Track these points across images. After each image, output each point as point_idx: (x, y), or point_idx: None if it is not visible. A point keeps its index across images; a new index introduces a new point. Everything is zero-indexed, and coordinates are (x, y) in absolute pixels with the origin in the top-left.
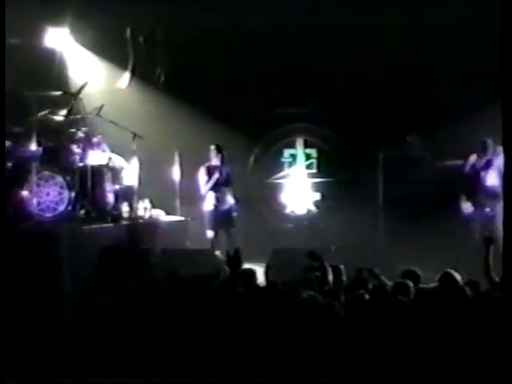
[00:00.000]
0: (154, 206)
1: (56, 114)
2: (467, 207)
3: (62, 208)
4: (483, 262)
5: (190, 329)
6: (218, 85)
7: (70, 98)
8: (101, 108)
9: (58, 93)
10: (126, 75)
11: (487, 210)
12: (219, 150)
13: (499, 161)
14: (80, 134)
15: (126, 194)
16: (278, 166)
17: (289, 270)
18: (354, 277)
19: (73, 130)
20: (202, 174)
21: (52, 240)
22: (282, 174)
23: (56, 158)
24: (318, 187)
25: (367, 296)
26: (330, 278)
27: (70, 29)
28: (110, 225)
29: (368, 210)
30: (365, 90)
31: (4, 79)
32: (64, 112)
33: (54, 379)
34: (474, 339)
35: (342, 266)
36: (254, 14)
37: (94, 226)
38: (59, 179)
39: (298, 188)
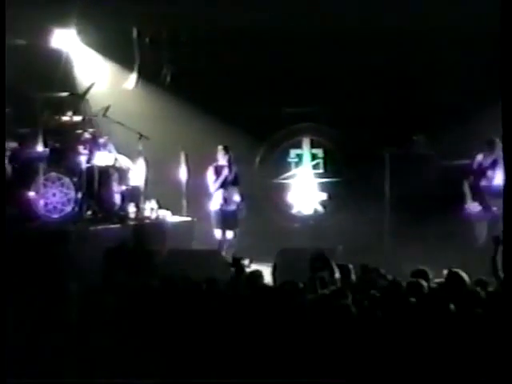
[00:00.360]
0: (160, 207)
1: (62, 115)
2: (474, 207)
3: (68, 209)
4: (491, 261)
5: (197, 330)
6: (223, 85)
7: (77, 99)
8: (107, 109)
9: (65, 94)
10: (133, 76)
11: (494, 209)
12: (227, 150)
13: None
14: (86, 135)
15: (132, 195)
16: (284, 166)
17: (296, 270)
18: (359, 276)
19: (79, 131)
20: (210, 174)
21: (59, 241)
22: (288, 174)
23: (62, 159)
24: (324, 187)
25: (378, 295)
26: (337, 277)
27: (76, 30)
28: (117, 225)
29: (374, 210)
30: (371, 89)
31: (4, 79)
32: (70, 113)
33: (57, 379)
34: (483, 339)
35: (350, 266)
36: (259, 13)
37: (100, 227)
38: (66, 180)
39: (305, 188)
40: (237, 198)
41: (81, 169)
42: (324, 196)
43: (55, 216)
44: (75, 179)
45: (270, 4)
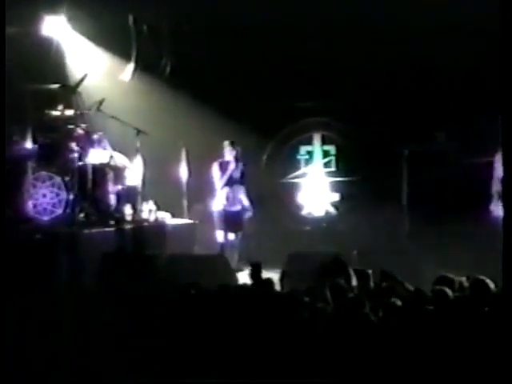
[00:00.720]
0: (159, 208)
1: (53, 109)
2: (499, 207)
3: (59, 211)
4: None
5: (206, 339)
6: (228, 76)
7: (69, 91)
8: (101, 102)
9: (55, 86)
10: (129, 67)
11: None
12: (234, 145)
13: None
14: (79, 131)
15: (129, 196)
16: (293, 164)
17: (306, 276)
18: (377, 282)
19: (71, 127)
20: (215, 170)
21: (49, 245)
22: (297, 172)
23: (53, 156)
24: (336, 187)
25: (399, 303)
26: (355, 284)
27: (67, 16)
28: (112, 229)
29: (391, 211)
30: (388, 81)
31: (4, 78)
32: (62, 107)
33: None
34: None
35: (369, 271)
36: (266, 1)
37: (94, 231)
38: (57, 180)
39: (316, 188)
40: (243, 197)
41: (73, 167)
42: (336, 196)
43: (45, 218)
44: (67, 179)
45: None
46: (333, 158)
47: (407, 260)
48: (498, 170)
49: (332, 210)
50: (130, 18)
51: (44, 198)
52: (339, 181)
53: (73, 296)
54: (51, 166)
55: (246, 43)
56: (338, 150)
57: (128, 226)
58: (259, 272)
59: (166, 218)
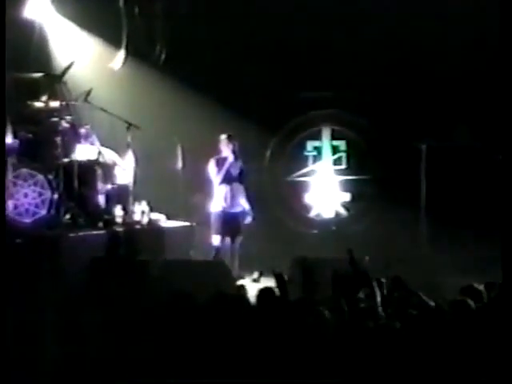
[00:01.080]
0: (152, 209)
1: (36, 100)
2: None
3: (43, 212)
4: None
5: (207, 354)
6: (227, 64)
7: (53, 80)
8: (89, 93)
9: (38, 75)
10: (120, 53)
11: None
12: (231, 139)
13: None
14: (64, 124)
15: (119, 195)
16: (299, 161)
17: (314, 285)
18: (390, 290)
19: (56, 119)
20: (212, 166)
21: (32, 250)
22: (304, 170)
23: (36, 152)
24: (347, 186)
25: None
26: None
27: None
28: (101, 232)
29: (408, 213)
30: (404, 68)
31: (4, 78)
32: (45, 98)
33: None
34: None
35: (383, 280)
36: None
37: (81, 234)
38: (40, 178)
39: (324, 187)
40: (242, 197)
41: (58, 164)
42: (347, 197)
43: (27, 220)
44: (51, 177)
45: None
46: (343, 154)
47: (426, 267)
48: None
49: (342, 211)
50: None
51: (26, 198)
52: (350, 179)
53: (57, 307)
54: (34, 162)
55: (248, 28)
56: (348, 145)
57: (118, 229)
58: (284, 282)
59: (160, 220)
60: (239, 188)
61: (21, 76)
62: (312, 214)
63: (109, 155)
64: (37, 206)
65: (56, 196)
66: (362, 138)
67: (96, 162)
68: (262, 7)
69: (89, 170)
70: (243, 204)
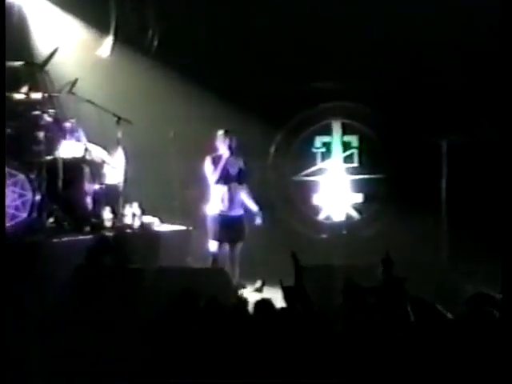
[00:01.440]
0: (144, 212)
1: (15, 92)
2: None
3: (24, 215)
4: None
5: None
6: (227, 52)
7: (34, 69)
8: (74, 83)
9: (18, 63)
10: (108, 40)
11: None
12: (227, 134)
13: None
14: (47, 118)
15: (108, 197)
16: (307, 158)
17: (324, 294)
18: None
19: (38, 113)
20: (208, 164)
21: (11, 257)
22: (312, 169)
23: (15, 149)
24: (359, 186)
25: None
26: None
27: None
28: (88, 237)
29: (426, 216)
30: (422, 57)
31: (4, 77)
32: (26, 89)
33: None
34: None
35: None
36: None
37: (66, 239)
38: (20, 177)
39: (334, 187)
40: (245, 199)
41: (40, 162)
42: (359, 198)
43: (6, 224)
44: (32, 176)
45: None
46: (355, 150)
47: (446, 275)
48: None
49: (354, 214)
50: None
51: None
52: (363, 179)
53: (38, 322)
54: (13, 160)
55: (250, 10)
56: (361, 140)
57: (107, 234)
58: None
59: (154, 223)
60: (238, 189)
61: None
62: (321, 216)
63: (97, 152)
64: (17, 208)
65: (38, 197)
66: (376, 132)
67: (82, 160)
68: None
69: (74, 169)
70: (250, 206)
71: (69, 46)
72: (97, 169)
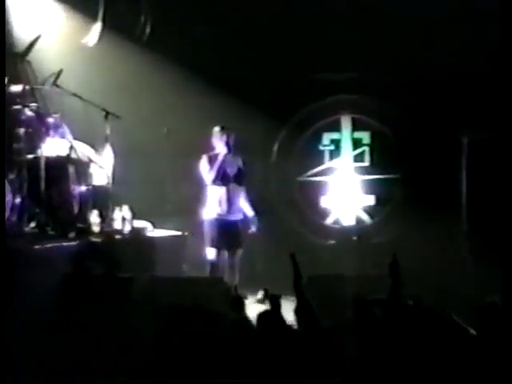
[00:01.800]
0: (135, 216)
1: None
2: None
3: None
4: None
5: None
6: (225, 41)
7: (14, 59)
8: (59, 75)
9: None
10: (95, 27)
11: None
12: (224, 131)
13: None
14: (28, 113)
15: (95, 199)
16: (313, 157)
17: (332, 306)
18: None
19: (18, 107)
20: (203, 164)
21: None
22: (319, 168)
23: None
24: (371, 187)
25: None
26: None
27: None
28: (74, 243)
29: (444, 220)
30: (440, 47)
31: (4, 77)
32: (6, 80)
33: None
34: None
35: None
36: None
37: (49, 245)
38: None
39: (344, 189)
40: (243, 203)
41: (21, 161)
42: (371, 200)
43: None
44: (12, 177)
45: None
46: (366, 148)
47: (468, 284)
48: None
49: (365, 217)
50: None
51: None
52: (375, 179)
53: (19, 336)
54: None
55: None
56: (373, 137)
57: (95, 240)
58: (279, 307)
59: (146, 228)
60: (237, 190)
61: None
62: (329, 221)
63: (83, 150)
64: None
65: (18, 200)
66: (390, 128)
67: (67, 159)
68: None
69: (58, 169)
70: (245, 210)
71: (52, 34)
72: (83, 168)
